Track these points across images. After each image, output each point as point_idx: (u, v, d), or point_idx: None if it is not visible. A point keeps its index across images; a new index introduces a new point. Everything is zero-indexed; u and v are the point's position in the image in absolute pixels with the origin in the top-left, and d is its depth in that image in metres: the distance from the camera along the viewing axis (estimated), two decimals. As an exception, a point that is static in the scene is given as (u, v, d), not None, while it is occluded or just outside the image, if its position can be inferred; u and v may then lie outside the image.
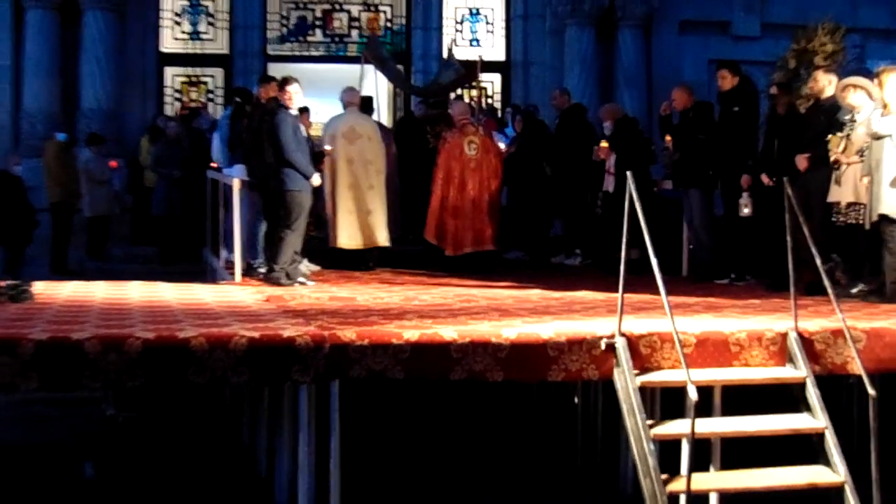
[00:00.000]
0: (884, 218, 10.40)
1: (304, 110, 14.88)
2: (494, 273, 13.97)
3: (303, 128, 12.65)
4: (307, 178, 12.31)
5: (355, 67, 17.92)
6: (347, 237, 14.40)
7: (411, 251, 15.82)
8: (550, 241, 16.64)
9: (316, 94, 17.92)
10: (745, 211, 12.41)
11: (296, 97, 12.43)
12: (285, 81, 12.62)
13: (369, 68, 17.50)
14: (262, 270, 12.70)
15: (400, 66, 20.85)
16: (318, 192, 13.37)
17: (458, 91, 19.82)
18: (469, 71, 17.54)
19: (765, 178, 12.14)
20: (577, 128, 15.81)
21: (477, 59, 17.39)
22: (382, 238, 14.57)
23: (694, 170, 12.97)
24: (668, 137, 13.89)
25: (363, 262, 14.53)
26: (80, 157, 18.56)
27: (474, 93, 20.64)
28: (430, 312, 9.64)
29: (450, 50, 18.93)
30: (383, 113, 21.46)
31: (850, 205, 10.93)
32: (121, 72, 20.19)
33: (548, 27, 21.94)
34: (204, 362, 7.65)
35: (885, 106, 10.46)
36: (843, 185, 10.98)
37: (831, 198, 11.12)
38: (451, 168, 14.66)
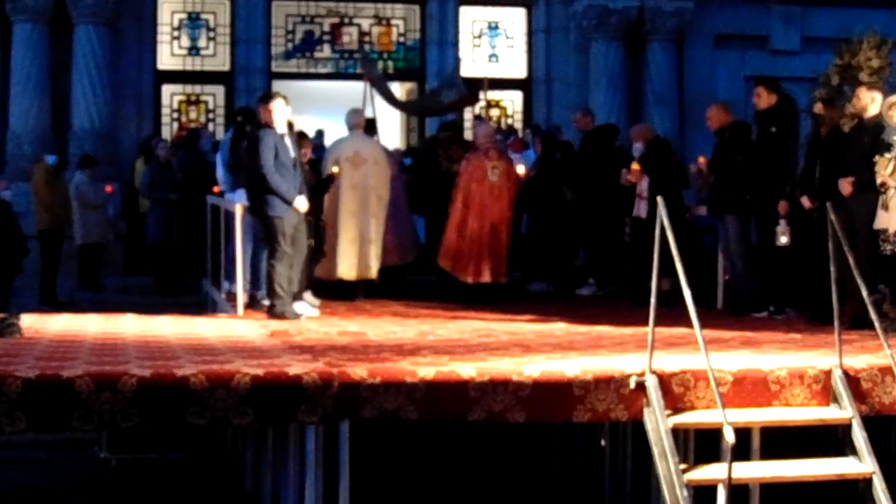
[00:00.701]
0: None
1: (319, 134, 14.89)
2: (507, 304, 14.01)
3: (291, 148, 12.44)
4: (288, 202, 12.21)
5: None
6: (347, 267, 14.66)
7: (423, 281, 16.03)
8: (576, 270, 16.62)
9: (324, 114, 18.00)
10: (783, 240, 12.35)
11: (277, 114, 12.34)
12: (268, 97, 12.65)
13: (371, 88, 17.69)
14: (266, 303, 12.71)
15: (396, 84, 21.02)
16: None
17: (477, 110, 19.92)
18: (473, 93, 17.83)
19: (805, 201, 12.09)
20: (602, 151, 15.80)
21: (483, 78, 17.73)
22: (374, 271, 14.88)
23: (730, 194, 12.92)
24: (701, 159, 13.88)
25: (352, 292, 14.72)
26: (71, 180, 18.61)
27: (494, 112, 20.86)
28: (447, 348, 9.64)
29: (455, 68, 19.08)
30: (396, 134, 21.61)
31: (899, 231, 10.92)
32: (115, 90, 20.25)
33: (572, 42, 21.98)
34: (204, 402, 7.66)
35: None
36: (892, 210, 10.95)
37: (878, 224, 11.09)
38: (472, 192, 14.80)
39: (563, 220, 16.17)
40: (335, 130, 16.45)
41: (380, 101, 17.88)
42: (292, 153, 12.40)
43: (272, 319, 12.01)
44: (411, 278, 16.40)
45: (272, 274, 12.18)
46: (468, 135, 19.48)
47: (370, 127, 16.62)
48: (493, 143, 15.41)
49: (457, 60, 20.33)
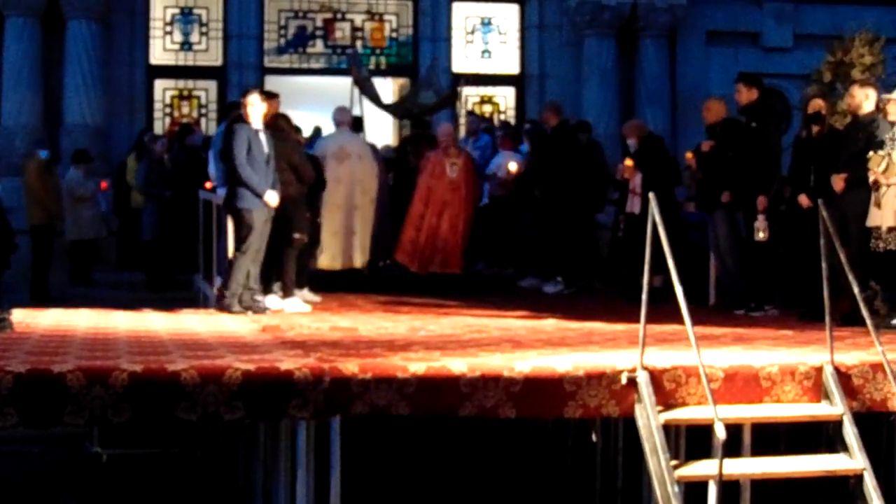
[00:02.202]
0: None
1: (317, 131, 15.11)
2: (498, 300, 14.20)
3: (265, 144, 12.44)
4: (259, 196, 12.23)
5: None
6: (330, 258, 15.34)
7: (393, 275, 16.51)
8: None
9: (317, 109, 18.04)
10: (761, 235, 12.36)
11: (253, 109, 12.39)
12: (245, 93, 12.79)
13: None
14: (259, 297, 12.71)
15: (380, 81, 21.15)
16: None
17: (470, 106, 20.01)
18: (451, 92, 18.69)
19: (804, 199, 12.03)
20: (565, 147, 15.79)
21: (461, 76, 19.08)
22: (359, 261, 15.70)
23: (720, 190, 12.88)
24: (688, 154, 13.87)
25: (341, 282, 15.35)
26: (64, 175, 18.61)
27: (487, 108, 21.00)
28: (438, 344, 9.65)
29: (430, 68, 19.70)
30: (389, 131, 21.72)
31: (891, 229, 10.90)
32: (107, 84, 20.25)
33: (565, 38, 21.99)
34: (195, 397, 7.66)
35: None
36: (885, 207, 10.94)
37: (871, 222, 11.09)
38: (432, 187, 15.68)
39: (538, 217, 16.18)
40: (328, 127, 16.66)
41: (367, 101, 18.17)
42: (266, 149, 12.41)
43: (221, 311, 12.09)
44: (383, 271, 16.90)
45: (234, 267, 12.23)
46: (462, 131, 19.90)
47: (357, 125, 17.14)
48: (453, 141, 16.21)
49: (433, 60, 20.54)
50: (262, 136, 12.41)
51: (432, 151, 16.17)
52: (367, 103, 18.71)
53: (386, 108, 19.92)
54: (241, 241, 12.25)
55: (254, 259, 12.34)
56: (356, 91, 18.38)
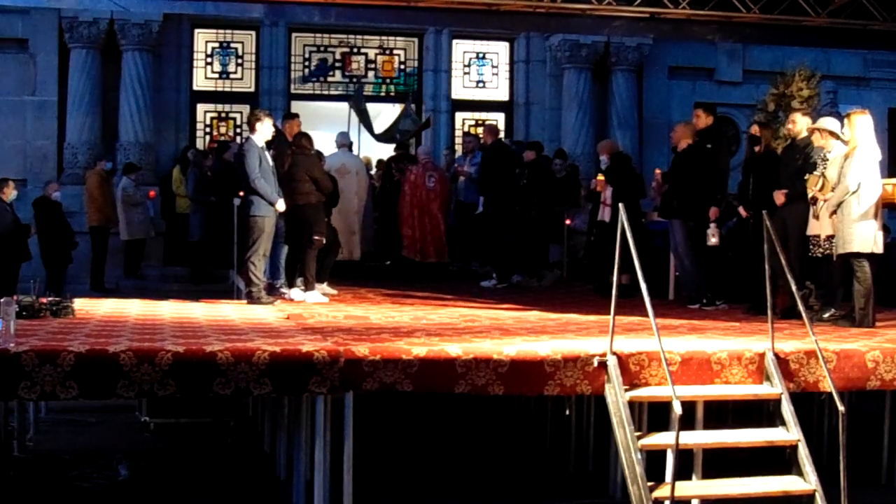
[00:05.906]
0: (853, 253, 10.43)
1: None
2: (488, 294, 14.37)
3: (269, 159, 12.37)
4: (272, 204, 12.17)
5: (371, 106, 19.76)
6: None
7: (382, 267, 17.94)
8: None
9: (335, 129, 18.10)
10: (713, 241, 12.33)
11: (262, 128, 12.30)
12: (257, 113, 12.67)
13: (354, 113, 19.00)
14: (284, 290, 12.70)
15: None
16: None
17: (466, 128, 20.03)
18: (425, 123, 19.97)
19: (742, 211, 12.07)
20: (498, 164, 15.89)
21: (429, 115, 20.64)
22: (357, 254, 16.83)
23: (677, 202, 12.88)
24: (657, 171, 13.88)
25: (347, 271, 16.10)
26: (117, 184, 18.69)
27: (481, 130, 21.40)
28: (437, 330, 9.65)
29: (408, 102, 20.28)
30: (390, 150, 21.96)
31: (828, 237, 10.90)
32: (156, 107, 20.32)
33: (548, 71, 22.07)
34: (229, 374, 7.66)
35: (851, 145, 10.48)
36: (822, 219, 10.94)
37: (810, 231, 11.07)
38: (416, 195, 17.13)
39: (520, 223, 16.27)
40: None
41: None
42: (271, 162, 12.38)
43: (252, 304, 12.08)
44: (371, 264, 17.79)
45: (249, 266, 12.17)
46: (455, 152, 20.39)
47: (349, 146, 18.00)
48: (430, 158, 17.87)
49: (409, 98, 20.89)
50: (266, 153, 12.37)
51: (414, 166, 17.46)
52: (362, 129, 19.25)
53: (375, 135, 20.04)
54: (252, 243, 12.20)
55: (264, 256, 12.35)
56: (354, 117, 18.86)
